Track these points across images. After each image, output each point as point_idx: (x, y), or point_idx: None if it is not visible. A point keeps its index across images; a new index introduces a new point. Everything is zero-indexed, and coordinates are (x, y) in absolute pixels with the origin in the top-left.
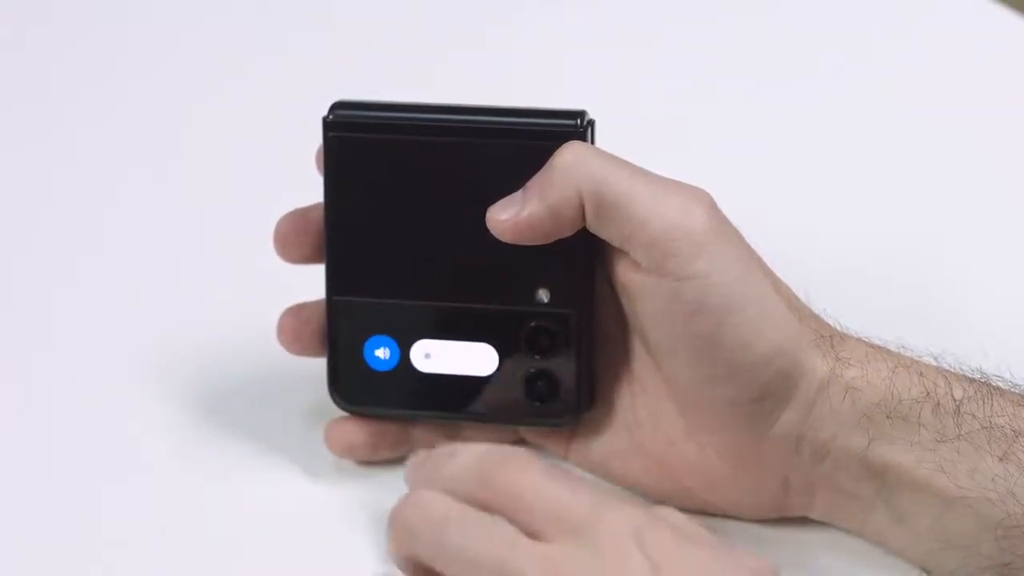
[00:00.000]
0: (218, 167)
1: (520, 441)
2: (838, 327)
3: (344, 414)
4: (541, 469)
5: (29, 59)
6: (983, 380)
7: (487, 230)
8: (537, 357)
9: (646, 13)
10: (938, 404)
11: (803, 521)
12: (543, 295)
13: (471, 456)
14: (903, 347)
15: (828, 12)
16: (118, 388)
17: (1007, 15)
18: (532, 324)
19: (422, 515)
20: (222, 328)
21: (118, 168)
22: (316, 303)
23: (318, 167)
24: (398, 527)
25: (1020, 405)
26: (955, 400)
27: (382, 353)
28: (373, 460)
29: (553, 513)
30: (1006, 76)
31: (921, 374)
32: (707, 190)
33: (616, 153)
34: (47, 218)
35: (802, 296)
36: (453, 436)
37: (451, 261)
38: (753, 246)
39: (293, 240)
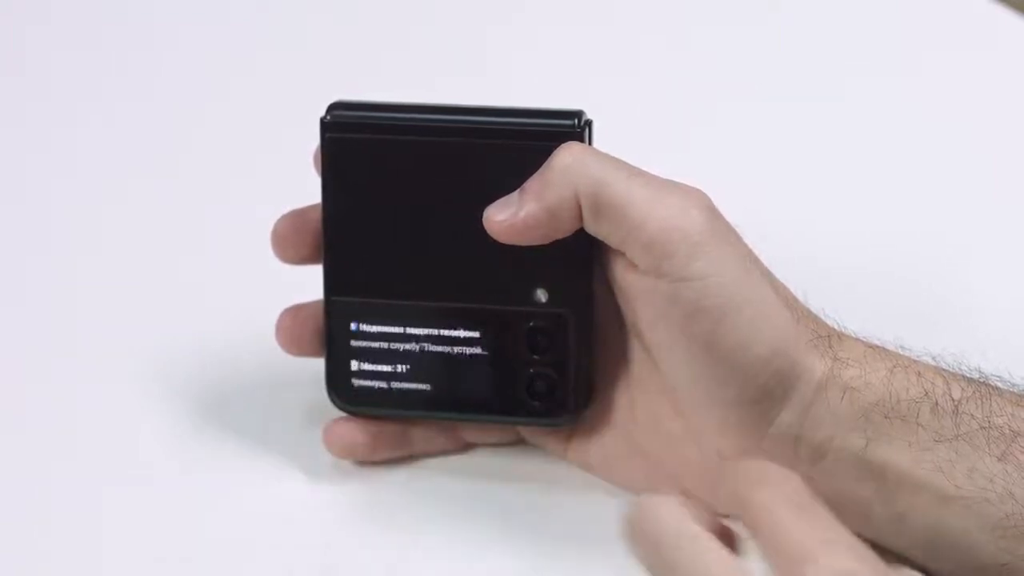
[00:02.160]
0: (217, 167)
1: (519, 441)
2: (836, 327)
3: (343, 414)
4: (789, 501)
5: (29, 59)
6: (982, 380)
7: (485, 230)
8: (535, 357)
9: (644, 13)
10: (936, 404)
11: None
12: (541, 295)
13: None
14: (902, 347)
15: (825, 12)
16: (118, 388)
17: (1007, 15)
18: (530, 324)
19: (656, 530)
20: (222, 328)
21: (117, 168)
22: (314, 303)
23: (316, 168)
24: (634, 536)
25: (1018, 405)
26: (953, 400)
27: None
28: (372, 460)
29: (776, 546)
30: (1006, 76)
31: (919, 374)
32: (705, 190)
33: (614, 153)
34: (47, 218)
35: (801, 296)
36: (452, 436)
37: (449, 261)
38: (751, 246)
39: (291, 240)
